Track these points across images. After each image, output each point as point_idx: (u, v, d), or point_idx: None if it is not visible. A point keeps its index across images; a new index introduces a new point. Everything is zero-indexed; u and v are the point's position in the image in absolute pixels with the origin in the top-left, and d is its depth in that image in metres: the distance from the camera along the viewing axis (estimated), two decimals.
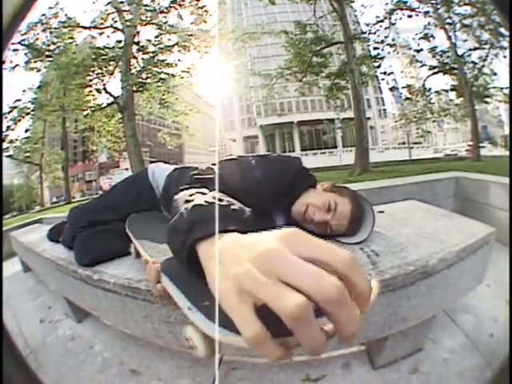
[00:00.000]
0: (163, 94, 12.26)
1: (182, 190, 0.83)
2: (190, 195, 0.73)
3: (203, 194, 0.74)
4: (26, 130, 13.01)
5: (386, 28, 12.16)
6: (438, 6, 11.74)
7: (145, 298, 1.14)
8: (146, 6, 11.70)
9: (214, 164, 1.23)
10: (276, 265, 0.35)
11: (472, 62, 11.64)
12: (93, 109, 12.23)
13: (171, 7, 11.77)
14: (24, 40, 11.18)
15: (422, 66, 12.90)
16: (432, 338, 1.49)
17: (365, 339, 1.18)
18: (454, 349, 1.44)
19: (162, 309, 1.11)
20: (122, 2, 11.64)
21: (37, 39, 11.44)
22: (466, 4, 11.36)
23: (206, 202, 0.62)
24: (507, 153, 12.57)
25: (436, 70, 12.48)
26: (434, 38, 12.20)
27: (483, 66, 11.51)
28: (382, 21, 12.11)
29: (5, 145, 11.90)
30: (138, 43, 11.85)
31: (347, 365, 1.42)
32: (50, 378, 1.57)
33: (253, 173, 1.30)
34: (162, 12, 11.76)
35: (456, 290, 1.25)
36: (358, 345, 1.46)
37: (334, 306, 0.32)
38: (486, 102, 12.35)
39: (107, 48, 11.66)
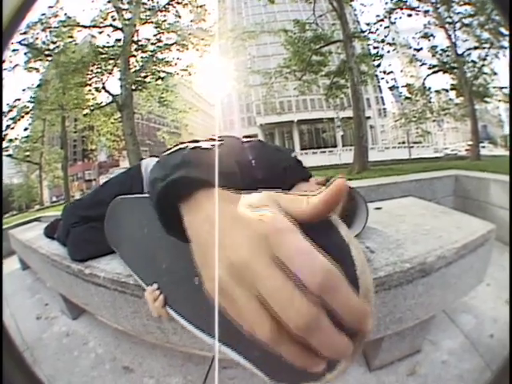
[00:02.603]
0: (162, 93, 12.26)
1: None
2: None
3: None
4: (26, 129, 13.02)
5: (385, 27, 12.12)
6: (438, 5, 11.70)
7: (133, 292, 1.14)
8: (145, 4, 11.67)
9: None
10: (278, 251, 0.29)
11: (472, 61, 11.62)
12: (92, 108, 12.25)
13: (170, 5, 11.74)
14: (24, 40, 11.18)
15: (421, 65, 12.89)
16: (431, 339, 1.46)
17: None
18: (453, 350, 1.41)
19: None
20: (121, 1, 11.61)
21: (36, 39, 11.44)
22: (465, 3, 11.32)
23: (209, 146, 0.54)
24: (507, 152, 12.54)
25: (436, 69, 12.46)
26: (433, 37, 12.19)
27: (483, 65, 11.48)
28: (381, 20, 12.08)
29: (4, 144, 11.92)
30: (137, 42, 11.82)
31: None
32: (45, 372, 1.59)
33: (247, 153, 1.27)
34: (160, 10, 11.73)
35: (455, 290, 1.21)
36: None
37: (303, 333, 0.27)
38: (486, 102, 12.32)
39: (106, 47, 11.65)
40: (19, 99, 11.94)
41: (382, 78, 13.03)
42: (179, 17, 11.89)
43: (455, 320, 1.62)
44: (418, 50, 12.68)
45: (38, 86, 12.20)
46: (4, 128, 11.62)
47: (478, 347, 1.41)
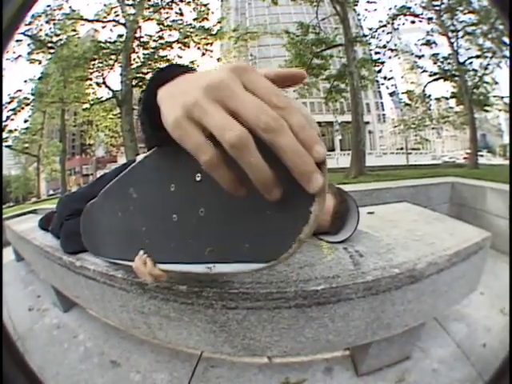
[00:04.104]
0: None
1: None
2: None
3: None
4: (26, 121, 12.98)
5: (388, 33, 12.12)
6: (442, 13, 11.70)
7: (121, 286, 1.14)
8: (149, 0, 11.65)
9: None
10: (223, 94, 0.37)
11: (473, 69, 11.60)
12: (92, 102, 12.23)
13: (173, 3, 11.71)
14: (28, 30, 11.13)
15: (422, 71, 12.87)
16: (421, 347, 1.44)
17: (346, 345, 1.11)
18: (443, 358, 1.39)
19: (137, 298, 1.12)
20: None
21: (40, 30, 11.38)
22: (470, 12, 11.30)
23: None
24: (505, 162, 12.57)
25: (437, 76, 12.45)
26: (436, 44, 12.17)
27: (484, 74, 11.47)
28: (384, 25, 12.07)
29: (4, 134, 11.88)
30: (139, 38, 11.81)
31: (329, 369, 1.37)
32: (35, 363, 1.58)
33: None
34: (164, 8, 11.71)
35: (447, 298, 1.19)
36: (341, 350, 1.41)
37: (271, 134, 0.35)
38: (486, 111, 12.31)
39: (109, 42, 11.63)
40: (20, 90, 11.92)
41: (383, 84, 13.04)
42: (182, 14, 11.86)
43: (447, 328, 1.60)
44: (420, 57, 12.68)
45: (40, 78, 12.16)
46: (4, 118, 11.59)
47: (470, 356, 1.39)
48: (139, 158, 1.59)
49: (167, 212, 0.67)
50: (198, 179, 0.56)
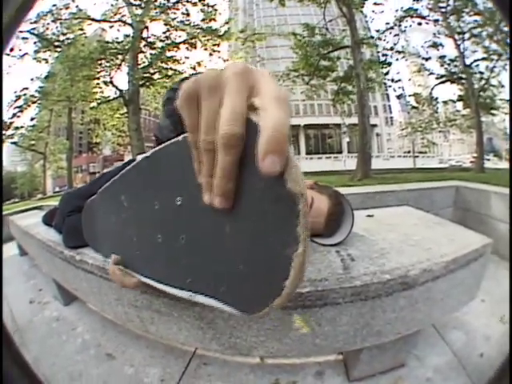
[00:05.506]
0: None
1: None
2: None
3: None
4: (32, 119, 13.10)
5: (395, 35, 12.09)
6: (448, 15, 11.65)
7: None
8: (156, 0, 11.70)
9: None
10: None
11: (480, 72, 11.53)
12: (99, 101, 12.31)
13: (180, 3, 11.74)
14: (34, 29, 11.20)
15: (429, 74, 12.81)
16: (416, 354, 1.40)
17: (334, 349, 1.09)
18: (439, 367, 1.35)
19: (130, 292, 1.13)
20: None
21: (47, 29, 11.48)
22: (475, 13, 11.24)
23: None
24: None
25: (444, 79, 12.40)
26: (442, 46, 12.13)
27: (490, 76, 11.40)
28: (391, 27, 12.04)
29: (10, 131, 12.00)
30: (146, 38, 11.86)
31: (320, 373, 1.35)
32: (31, 354, 1.63)
33: None
34: (170, 8, 11.75)
35: (443, 306, 1.14)
36: (330, 354, 1.39)
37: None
38: (493, 114, 12.23)
39: (115, 42, 11.69)
40: (27, 88, 12.00)
41: (390, 86, 12.99)
42: (188, 15, 11.89)
43: (445, 336, 1.55)
44: (427, 60, 12.63)
45: (46, 76, 12.25)
46: (10, 115, 11.70)
47: (466, 366, 1.35)
48: (140, 157, 1.59)
49: (153, 230, 0.66)
50: (178, 203, 0.54)
